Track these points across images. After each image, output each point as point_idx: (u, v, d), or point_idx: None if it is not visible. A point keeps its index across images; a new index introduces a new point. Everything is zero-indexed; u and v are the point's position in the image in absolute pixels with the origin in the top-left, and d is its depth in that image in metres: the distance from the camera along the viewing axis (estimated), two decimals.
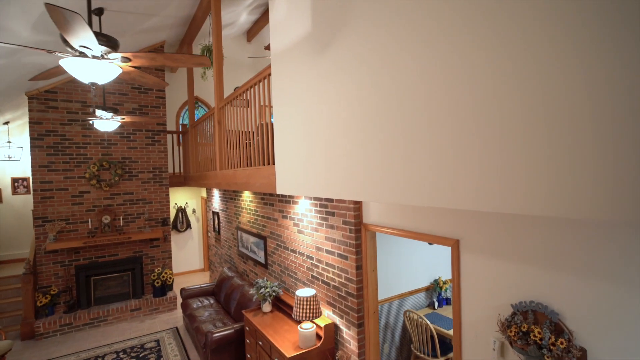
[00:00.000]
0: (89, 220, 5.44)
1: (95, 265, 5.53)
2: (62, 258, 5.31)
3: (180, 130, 7.15)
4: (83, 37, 1.69)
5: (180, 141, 6.76)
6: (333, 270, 3.20)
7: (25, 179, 6.79)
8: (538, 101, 0.95)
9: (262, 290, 3.83)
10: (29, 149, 5.07)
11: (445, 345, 3.86)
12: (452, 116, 1.19)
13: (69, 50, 1.91)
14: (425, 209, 2.32)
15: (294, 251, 3.87)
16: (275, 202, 4.24)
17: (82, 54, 1.89)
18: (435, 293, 4.26)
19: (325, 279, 3.33)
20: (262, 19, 7.07)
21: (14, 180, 6.70)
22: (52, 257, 5.25)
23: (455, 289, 2.13)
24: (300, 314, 3.06)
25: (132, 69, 2.19)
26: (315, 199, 3.41)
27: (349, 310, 3.02)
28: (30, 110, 5.00)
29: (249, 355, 3.80)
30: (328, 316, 3.32)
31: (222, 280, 5.36)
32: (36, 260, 5.18)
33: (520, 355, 1.72)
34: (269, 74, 2.96)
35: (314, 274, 3.50)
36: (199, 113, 7.60)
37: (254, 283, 4.05)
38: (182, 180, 6.44)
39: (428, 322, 3.46)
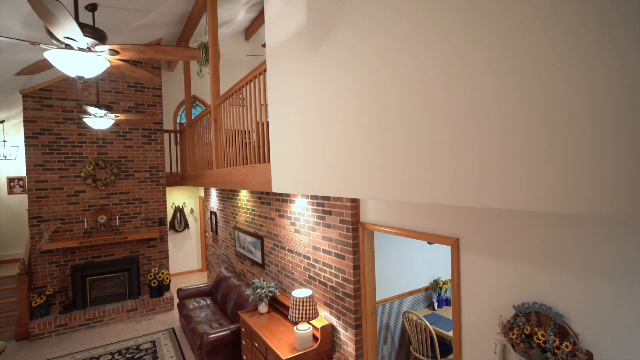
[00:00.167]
0: (85, 219, 5.37)
1: (91, 266, 5.46)
2: (58, 258, 5.25)
3: (178, 129, 7.09)
4: (67, 28, 1.63)
5: (178, 140, 6.70)
6: (330, 270, 3.13)
7: (21, 179, 6.73)
8: (538, 98, 0.90)
9: (259, 290, 3.76)
10: (24, 148, 5.00)
11: (445, 346, 3.79)
12: (451, 111, 1.13)
13: (55, 42, 1.84)
14: (424, 207, 2.26)
15: (290, 251, 3.80)
16: (272, 201, 4.17)
17: (68, 46, 1.83)
18: (435, 293, 4.19)
19: (322, 280, 3.27)
20: (260, 17, 7.01)
21: (10, 180, 6.64)
22: (48, 257, 5.18)
23: (455, 289, 2.07)
24: (297, 315, 2.99)
25: (121, 62, 2.12)
26: (312, 197, 3.34)
27: (346, 311, 2.95)
28: (24, 109, 4.94)
29: (245, 357, 3.73)
30: (325, 317, 3.25)
31: (219, 281, 5.30)
32: (31, 260, 5.12)
33: (522, 359, 1.65)
34: (265, 70, 2.90)
35: (311, 274, 3.43)
36: (197, 112, 7.54)
37: (250, 283, 3.99)
38: (180, 179, 6.38)
39: (427, 323, 3.39)
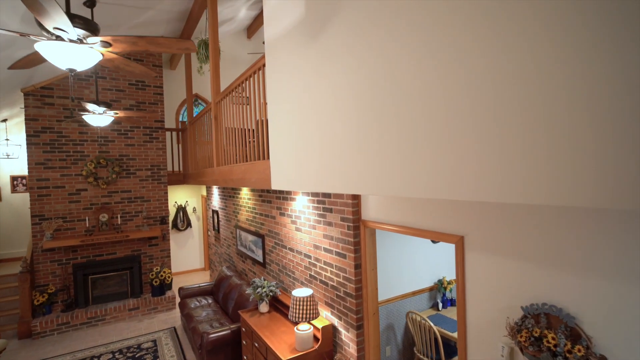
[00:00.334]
0: (87, 218, 5.36)
1: (93, 264, 5.44)
2: (60, 256, 5.23)
3: (179, 127, 7.06)
4: (56, 19, 1.57)
5: (180, 139, 6.66)
6: (331, 269, 3.06)
7: (24, 177, 6.74)
8: (536, 90, 0.83)
9: (259, 290, 3.70)
10: (26, 146, 4.99)
11: (450, 348, 3.70)
12: (450, 105, 1.05)
13: (45, 34, 1.79)
14: (427, 204, 2.17)
15: (291, 249, 3.74)
16: (272, 199, 4.11)
17: (59, 38, 1.77)
18: (439, 294, 4.10)
19: (323, 279, 3.19)
20: (262, 15, 6.93)
21: (13, 179, 6.65)
22: (50, 256, 5.17)
23: (460, 289, 1.98)
24: (297, 315, 2.93)
25: (114, 55, 2.07)
26: (313, 194, 3.27)
27: (348, 311, 2.88)
28: (26, 107, 4.93)
29: (245, 357, 3.67)
30: (326, 317, 3.18)
31: (221, 280, 5.25)
32: (33, 258, 5.11)
33: None
34: (264, 65, 2.84)
35: (312, 273, 3.36)
36: (199, 110, 7.50)
37: (251, 282, 3.93)
38: (182, 178, 6.34)
39: (431, 324, 3.30)
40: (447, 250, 4.17)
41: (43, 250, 5.10)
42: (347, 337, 2.92)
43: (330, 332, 3.03)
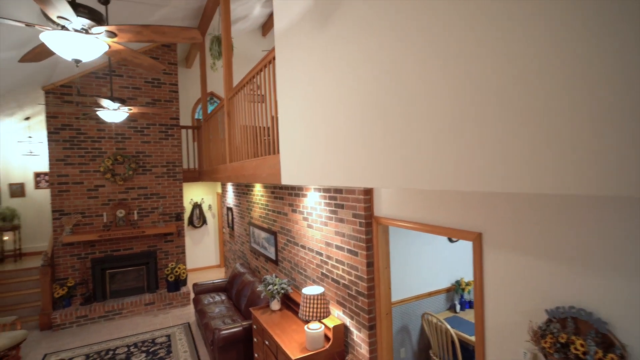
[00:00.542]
0: (104, 214, 5.46)
1: (111, 259, 5.55)
2: (79, 251, 5.35)
3: (195, 125, 7.11)
4: (58, 8, 1.55)
5: (195, 137, 6.71)
6: (343, 267, 2.97)
7: (46, 174, 6.94)
8: (560, 75, 0.71)
9: (270, 287, 3.65)
10: (47, 143, 5.12)
11: (469, 352, 3.54)
12: (468, 90, 0.95)
13: (51, 25, 1.78)
14: (442, 199, 2.05)
15: (303, 247, 3.67)
16: (285, 196, 4.05)
17: (64, 28, 1.76)
18: (457, 295, 3.94)
19: (334, 277, 3.11)
20: None
21: (37, 175, 6.87)
22: (69, 250, 5.30)
23: (478, 290, 1.86)
24: (307, 313, 2.85)
25: (121, 47, 2.04)
26: (325, 190, 3.19)
27: (360, 311, 2.78)
28: (46, 105, 5.06)
29: (256, 355, 3.63)
30: (338, 317, 3.09)
31: (234, 277, 5.24)
32: (54, 252, 5.25)
33: None
34: (274, 58, 2.78)
35: (324, 271, 3.28)
36: (213, 108, 7.54)
37: (262, 279, 3.89)
38: (197, 175, 6.39)
39: (448, 327, 3.16)
40: (465, 250, 4.00)
41: (63, 244, 5.23)
42: (359, 337, 2.82)
43: (342, 332, 2.94)
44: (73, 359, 4.24)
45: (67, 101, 5.16)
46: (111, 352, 4.36)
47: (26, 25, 1.67)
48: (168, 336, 4.78)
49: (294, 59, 2.20)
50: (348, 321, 2.95)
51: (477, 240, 1.82)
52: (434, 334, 3.36)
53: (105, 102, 3.57)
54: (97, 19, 1.83)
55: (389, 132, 1.26)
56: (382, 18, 1.28)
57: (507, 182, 0.85)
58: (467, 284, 3.87)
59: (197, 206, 7.70)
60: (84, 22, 1.75)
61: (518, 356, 1.66)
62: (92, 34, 1.82)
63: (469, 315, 3.73)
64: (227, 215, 6.62)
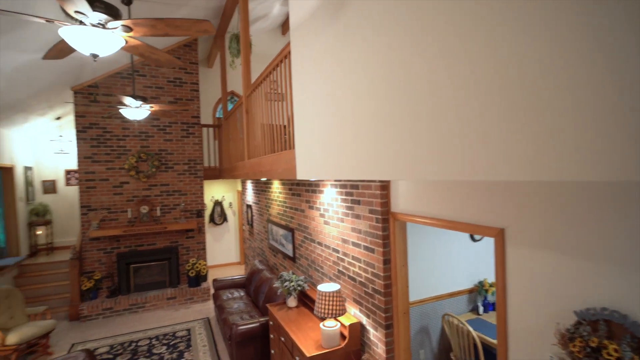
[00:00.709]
0: (129, 210, 5.63)
1: (135, 254, 5.72)
2: (105, 245, 5.55)
3: (215, 123, 7.22)
4: (75, 2, 1.58)
5: (216, 135, 6.81)
6: (359, 264, 2.91)
7: (75, 171, 7.25)
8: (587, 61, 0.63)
9: (287, 283, 3.63)
10: (75, 142, 5.34)
11: (492, 356, 3.39)
12: (490, 73, 0.87)
13: (69, 20, 1.82)
14: (461, 193, 1.95)
15: (320, 244, 3.63)
16: (302, 192, 4.02)
17: (82, 23, 1.79)
18: (479, 297, 3.78)
19: (351, 274, 3.05)
20: None
21: (67, 172, 7.19)
22: (96, 244, 5.50)
23: (500, 290, 1.75)
24: (322, 310, 2.81)
25: (138, 42, 2.07)
26: (341, 186, 3.13)
27: (376, 309, 2.71)
28: (75, 104, 5.27)
29: (273, 351, 3.63)
30: (354, 315, 3.03)
31: (253, 273, 5.28)
32: (82, 246, 5.47)
33: None
34: (290, 52, 2.76)
35: (340, 269, 3.23)
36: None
37: (279, 276, 3.88)
38: (218, 173, 6.48)
39: (470, 329, 3.04)
40: (489, 249, 3.84)
41: (90, 239, 5.43)
42: (375, 336, 2.75)
43: (358, 330, 2.88)
44: (98, 349, 4.39)
45: (94, 101, 5.36)
46: (134, 344, 4.48)
47: (46, 21, 1.71)
48: (188, 330, 4.87)
49: (308, 53, 2.17)
50: (364, 320, 2.88)
51: (499, 236, 1.71)
52: (455, 336, 3.24)
53: (127, 100, 3.67)
54: (114, 13, 1.86)
55: (415, 118, 1.20)
56: (392, 16, 1.21)
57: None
58: (491, 285, 3.71)
59: (218, 204, 7.82)
60: (101, 16, 1.79)
61: None
62: (108, 28, 1.85)
63: (492, 317, 3.57)
64: (247, 212, 6.68)
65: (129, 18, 3.49)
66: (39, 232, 6.68)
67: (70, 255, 5.29)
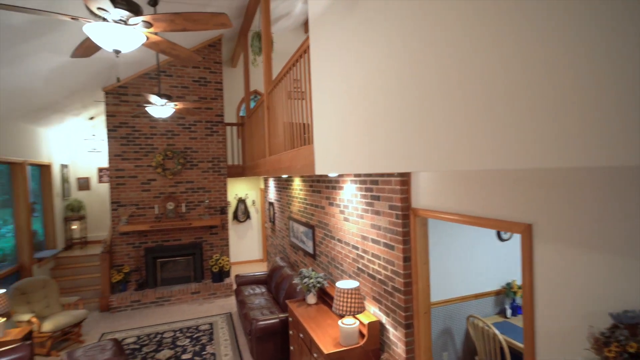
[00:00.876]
0: (156, 206, 5.82)
1: (161, 249, 5.90)
2: (133, 240, 5.76)
3: (238, 122, 7.33)
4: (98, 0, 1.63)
5: (239, 134, 6.91)
6: (379, 262, 2.84)
7: (107, 168, 7.59)
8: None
9: (306, 280, 3.62)
10: (107, 140, 5.58)
11: None
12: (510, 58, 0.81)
13: (92, 17, 1.88)
14: (486, 187, 1.86)
15: (339, 241, 3.59)
16: (322, 189, 4.00)
17: (105, 20, 1.85)
18: (507, 299, 3.61)
19: (370, 272, 2.99)
20: None
21: (99, 170, 7.54)
22: (125, 239, 5.72)
23: (527, 290, 1.64)
24: (341, 308, 2.77)
25: (159, 38, 2.12)
26: (361, 182, 3.08)
27: (396, 308, 2.63)
28: (106, 104, 5.51)
29: (292, 347, 3.62)
30: (374, 313, 2.97)
31: (274, 270, 5.31)
32: (112, 241, 5.70)
33: None
34: (309, 46, 2.74)
35: (359, 266, 3.17)
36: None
37: (298, 273, 3.87)
38: (241, 170, 6.58)
39: (497, 332, 2.90)
40: (517, 249, 3.65)
41: (120, 233, 5.66)
42: (394, 335, 2.68)
43: (377, 328, 2.82)
44: (126, 339, 4.56)
45: (123, 101, 5.58)
46: (159, 336, 4.62)
47: (71, 18, 1.78)
48: (211, 324, 4.96)
49: (326, 48, 2.15)
50: (384, 318, 2.81)
51: (527, 232, 1.61)
52: (480, 339, 3.10)
53: (153, 98, 3.78)
54: (135, 10, 1.91)
55: (432, 107, 1.14)
56: (405, 12, 1.16)
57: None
58: (520, 287, 3.52)
59: (241, 201, 7.94)
60: (122, 13, 1.83)
61: None
62: (130, 24, 1.90)
63: (521, 321, 3.40)
64: (269, 210, 6.74)
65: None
66: (74, 227, 7.04)
67: (102, 249, 5.53)
